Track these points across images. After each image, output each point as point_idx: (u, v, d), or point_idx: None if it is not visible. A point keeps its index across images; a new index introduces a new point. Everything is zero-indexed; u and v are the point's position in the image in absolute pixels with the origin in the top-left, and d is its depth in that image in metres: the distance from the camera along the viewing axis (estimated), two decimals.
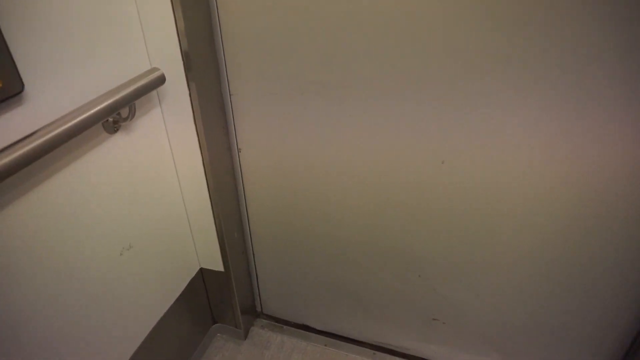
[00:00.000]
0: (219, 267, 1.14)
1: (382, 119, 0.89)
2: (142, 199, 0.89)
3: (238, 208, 1.13)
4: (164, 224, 0.99)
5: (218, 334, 1.33)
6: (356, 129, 0.92)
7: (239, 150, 1.05)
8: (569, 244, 0.91)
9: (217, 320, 1.31)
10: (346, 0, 0.78)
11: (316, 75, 0.88)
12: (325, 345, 1.31)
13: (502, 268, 1.00)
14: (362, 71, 0.85)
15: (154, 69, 0.79)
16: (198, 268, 1.15)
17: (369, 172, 0.97)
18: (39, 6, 0.61)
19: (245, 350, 1.29)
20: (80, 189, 0.74)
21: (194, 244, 1.11)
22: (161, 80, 0.79)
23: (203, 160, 0.96)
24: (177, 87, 0.86)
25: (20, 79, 0.58)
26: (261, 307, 1.39)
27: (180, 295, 1.10)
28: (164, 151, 0.94)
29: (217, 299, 1.24)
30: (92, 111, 0.66)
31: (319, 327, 1.35)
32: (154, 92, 0.87)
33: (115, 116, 0.77)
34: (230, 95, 0.97)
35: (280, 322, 1.38)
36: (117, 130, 0.79)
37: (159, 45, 0.82)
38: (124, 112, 0.78)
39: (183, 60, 0.83)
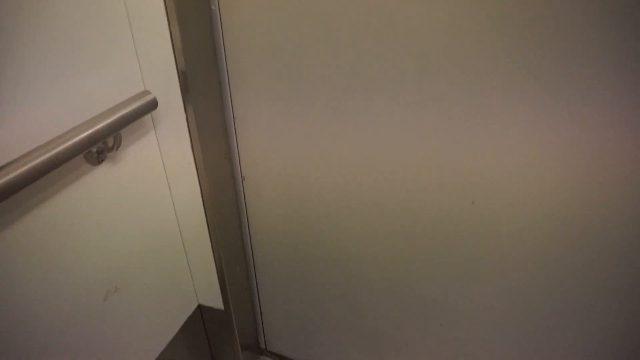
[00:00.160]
0: (219, 304, 1.03)
1: (404, 144, 0.78)
2: (132, 233, 0.80)
3: (241, 241, 1.03)
4: (158, 259, 0.89)
5: None
6: (375, 157, 0.82)
7: (243, 178, 0.95)
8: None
9: (216, 358, 1.20)
10: (367, 21, 0.68)
11: (332, 99, 0.78)
12: None
13: (536, 316, 0.88)
14: (384, 98, 0.74)
15: (144, 93, 0.69)
16: (196, 305, 1.05)
17: (389, 203, 0.86)
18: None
19: None
20: (55, 229, 0.64)
21: (191, 279, 1.01)
22: (152, 105, 0.69)
23: (201, 190, 0.86)
24: (172, 111, 0.77)
25: None
26: (265, 344, 1.28)
27: (176, 335, 1.00)
28: (158, 180, 0.84)
29: (217, 338, 1.13)
30: (64, 146, 0.56)
31: None
32: (147, 116, 0.77)
33: (100, 146, 0.67)
34: (234, 118, 0.87)
35: None
36: (103, 160, 0.69)
37: (153, 65, 0.73)
38: (111, 140, 0.69)
39: (180, 81, 0.74)
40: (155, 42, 0.70)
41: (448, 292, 0.93)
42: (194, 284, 1.02)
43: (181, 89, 0.74)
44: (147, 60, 0.73)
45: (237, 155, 0.92)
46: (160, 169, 0.84)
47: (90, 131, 0.60)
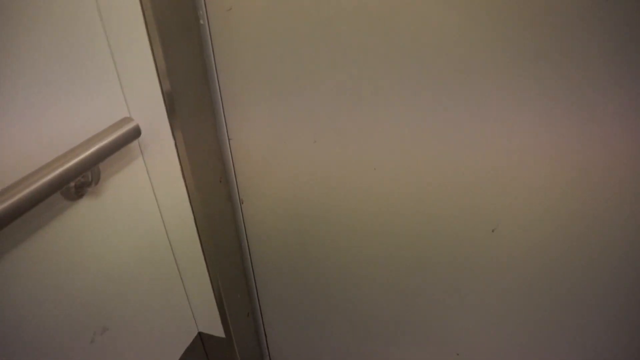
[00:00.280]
0: (220, 332, 0.98)
1: (407, 164, 0.71)
2: (122, 267, 0.74)
3: (242, 265, 0.97)
4: (152, 290, 0.83)
5: None
6: (377, 178, 0.75)
7: (241, 201, 0.88)
8: None
9: None
10: (365, 35, 0.61)
11: (332, 117, 0.71)
12: None
13: (556, 346, 0.80)
14: (386, 117, 0.67)
15: (125, 120, 0.63)
16: (196, 332, 1.00)
17: (400, 224, 0.79)
18: None
19: None
20: (30, 272, 0.59)
21: (190, 307, 0.96)
22: (134, 133, 0.63)
23: (195, 216, 0.80)
24: (160, 136, 0.71)
25: None
26: None
27: None
28: (149, 208, 0.78)
29: None
30: (32, 187, 0.50)
31: None
32: (134, 142, 0.72)
33: (80, 180, 0.62)
34: (229, 140, 0.81)
35: None
36: (83, 195, 0.63)
37: (137, 90, 0.67)
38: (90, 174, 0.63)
39: (166, 105, 0.67)
40: (138, 64, 0.64)
41: (466, 323, 0.85)
42: (193, 312, 0.97)
43: (168, 113, 0.68)
44: (130, 85, 0.67)
45: (234, 178, 0.85)
46: (151, 197, 0.78)
47: (61, 169, 0.54)
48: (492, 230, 0.74)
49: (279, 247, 0.93)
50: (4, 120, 0.52)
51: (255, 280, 1.01)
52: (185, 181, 0.75)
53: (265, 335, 1.12)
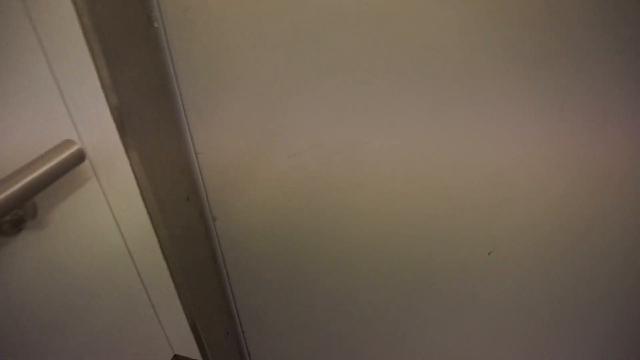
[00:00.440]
0: (196, 354, 0.92)
1: (399, 177, 0.64)
2: (82, 294, 0.67)
3: (219, 285, 0.90)
4: (119, 314, 0.77)
5: None
6: (356, 191, 0.67)
7: (214, 218, 0.81)
8: None
9: None
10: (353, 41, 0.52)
11: (312, 128, 0.63)
12: None
13: None
14: (373, 130, 0.59)
15: (66, 143, 0.55)
16: (171, 355, 0.93)
17: (384, 242, 0.72)
18: None
19: None
20: None
21: (162, 330, 0.89)
22: (78, 157, 0.55)
23: (159, 239, 0.73)
24: (112, 156, 0.63)
25: None
26: None
27: None
28: (108, 232, 0.71)
29: None
30: None
31: None
32: (85, 163, 0.63)
33: (17, 213, 0.54)
34: (197, 154, 0.73)
35: None
36: (22, 230, 0.56)
37: (82, 106, 0.58)
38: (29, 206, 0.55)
39: (115, 122, 0.59)
40: (79, 77, 0.56)
41: (467, 348, 0.79)
42: (167, 335, 0.90)
43: (118, 130, 0.60)
44: (74, 101, 0.58)
45: (204, 194, 0.77)
46: (110, 221, 0.71)
47: None
48: (489, 253, 0.67)
49: (257, 264, 0.86)
50: None
51: (234, 298, 0.94)
52: (145, 202, 0.68)
53: (249, 354, 1.06)
